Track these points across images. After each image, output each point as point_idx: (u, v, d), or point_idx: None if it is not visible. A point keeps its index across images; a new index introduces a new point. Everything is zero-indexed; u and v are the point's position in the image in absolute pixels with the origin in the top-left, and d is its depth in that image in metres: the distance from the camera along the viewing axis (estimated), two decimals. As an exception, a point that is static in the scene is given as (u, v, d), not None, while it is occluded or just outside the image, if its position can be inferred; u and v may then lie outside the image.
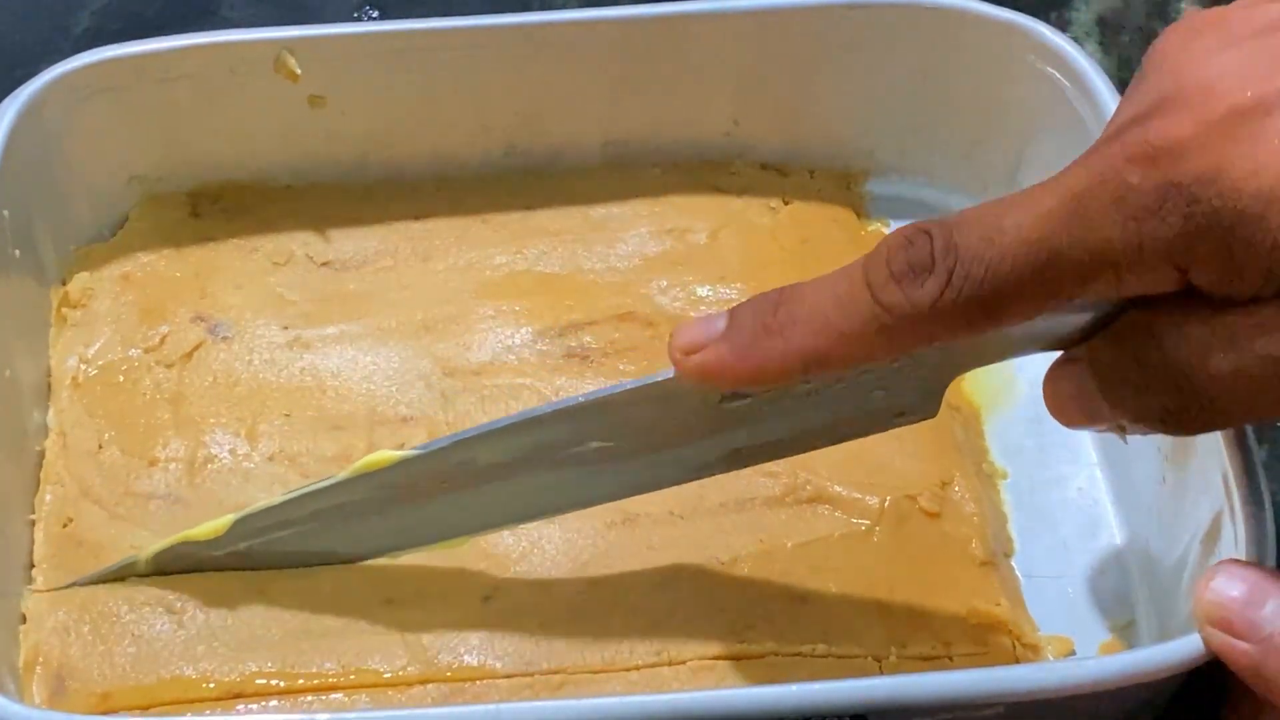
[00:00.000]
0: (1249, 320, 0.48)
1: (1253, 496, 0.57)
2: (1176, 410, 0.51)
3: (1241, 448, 0.58)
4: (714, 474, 0.60)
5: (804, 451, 0.59)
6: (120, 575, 0.63)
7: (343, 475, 0.60)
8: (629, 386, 0.56)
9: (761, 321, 0.53)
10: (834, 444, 0.59)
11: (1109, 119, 0.68)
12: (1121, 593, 0.66)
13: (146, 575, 0.63)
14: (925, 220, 0.51)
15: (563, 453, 0.59)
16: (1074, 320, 0.53)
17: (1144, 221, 0.48)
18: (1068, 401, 0.56)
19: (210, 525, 0.62)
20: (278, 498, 0.62)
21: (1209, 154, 0.47)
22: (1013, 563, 0.67)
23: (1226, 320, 0.49)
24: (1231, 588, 0.53)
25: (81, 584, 0.63)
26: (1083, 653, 0.64)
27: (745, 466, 0.60)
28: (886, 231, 0.78)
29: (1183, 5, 0.90)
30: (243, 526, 0.62)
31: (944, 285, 0.49)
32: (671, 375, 0.55)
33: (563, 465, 0.59)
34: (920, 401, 0.57)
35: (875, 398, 0.56)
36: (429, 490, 0.60)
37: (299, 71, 0.72)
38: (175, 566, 0.63)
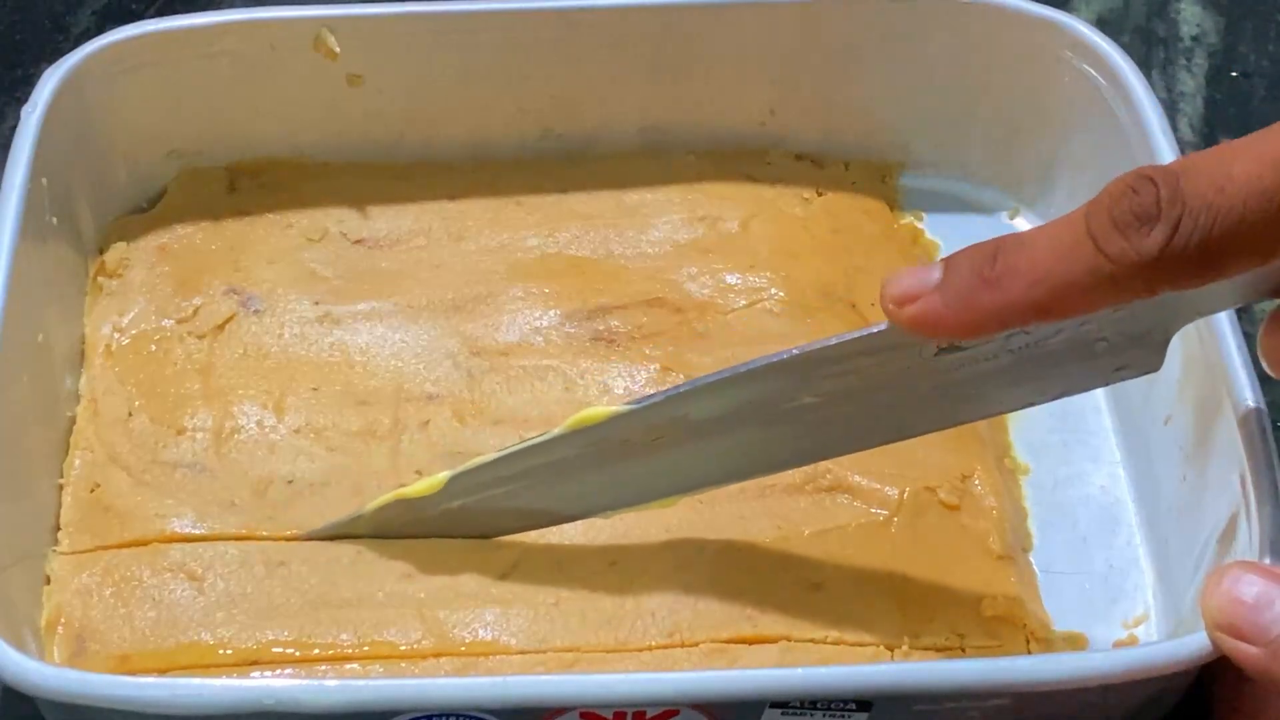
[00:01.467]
0: None
1: (1269, 496, 0.57)
2: None
3: (1259, 448, 0.58)
4: (928, 432, 0.59)
5: (1022, 407, 0.58)
6: (346, 531, 0.64)
7: (556, 431, 0.60)
8: (844, 339, 0.55)
9: (979, 272, 0.51)
10: (1054, 399, 0.57)
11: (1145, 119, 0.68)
12: (1138, 590, 0.66)
13: (365, 535, 0.64)
14: (1148, 166, 0.49)
15: (775, 408, 0.58)
16: None
17: None
18: None
19: (426, 482, 0.63)
20: (491, 455, 0.62)
21: None
22: (1030, 558, 0.67)
23: None
24: (1239, 591, 0.53)
25: (318, 535, 0.64)
26: (1096, 649, 0.63)
27: (959, 424, 0.59)
28: (919, 225, 0.78)
29: (1181, 5, 0.90)
30: (457, 484, 0.62)
31: (1170, 235, 0.48)
32: (885, 327, 0.54)
33: (774, 421, 0.58)
34: (1143, 355, 0.55)
35: (1096, 349, 0.54)
36: (641, 447, 0.60)
37: (338, 50, 0.73)
38: (393, 526, 0.64)
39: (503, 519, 0.64)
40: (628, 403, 0.59)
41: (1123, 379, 0.56)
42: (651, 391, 0.65)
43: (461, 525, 0.64)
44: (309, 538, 0.64)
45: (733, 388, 0.57)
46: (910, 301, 0.52)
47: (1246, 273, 0.50)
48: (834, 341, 0.55)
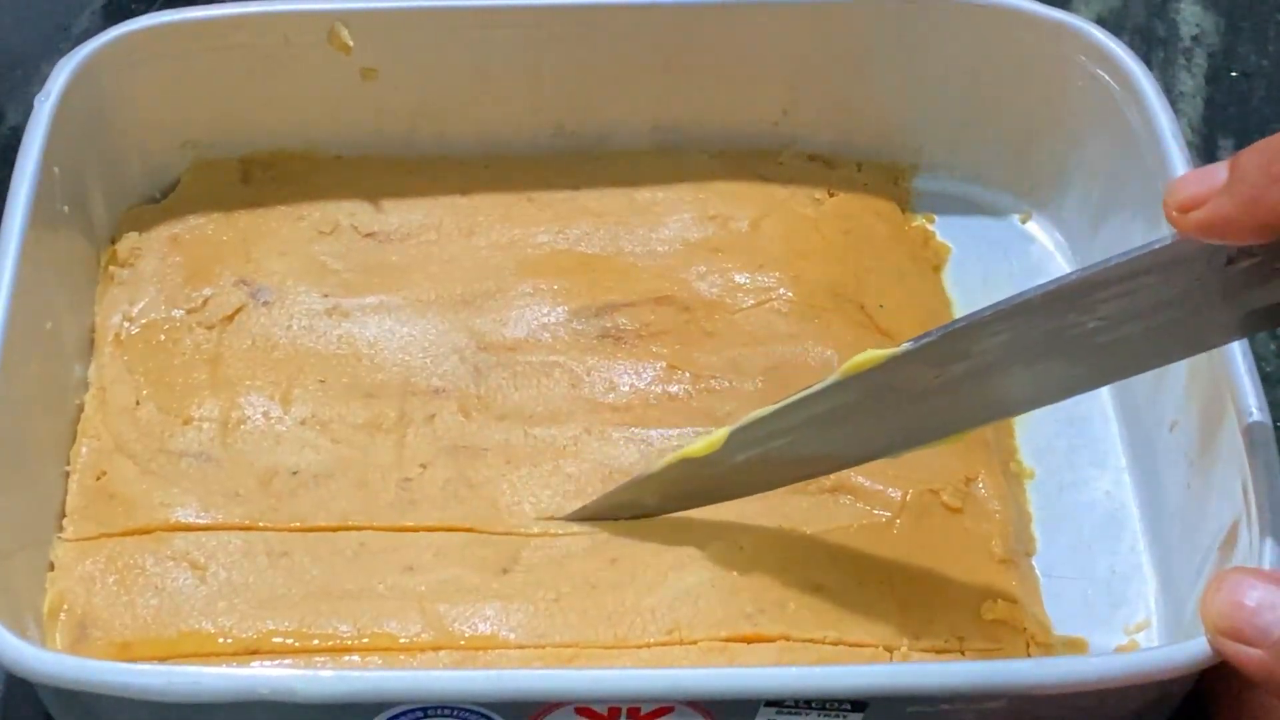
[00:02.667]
0: None
1: (1270, 504, 0.57)
2: None
3: (1262, 454, 0.58)
4: (1221, 344, 0.57)
5: None
6: (634, 496, 0.64)
7: (834, 378, 0.58)
8: (1126, 257, 0.53)
9: (1268, 169, 0.48)
10: None
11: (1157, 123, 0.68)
12: (1140, 596, 0.66)
13: (652, 503, 0.64)
14: None
15: (1057, 337, 0.55)
16: None
17: None
18: None
19: (707, 440, 0.62)
20: (770, 407, 0.60)
21: None
22: (1033, 562, 0.67)
23: None
24: (1240, 594, 0.53)
25: (583, 516, 0.65)
26: (1096, 654, 0.63)
27: (1257, 332, 0.56)
28: (931, 228, 0.78)
29: (1181, 5, 0.90)
30: (740, 437, 0.61)
31: None
32: (1170, 240, 0.52)
33: (1058, 351, 0.56)
34: None
35: None
36: (921, 387, 0.58)
37: (351, 44, 0.73)
38: (678, 488, 0.64)
39: (785, 469, 0.63)
40: (906, 342, 0.57)
41: None
42: (664, 385, 0.65)
43: (745, 481, 0.63)
44: (577, 517, 0.65)
45: (1014, 318, 0.55)
46: (1196, 206, 0.50)
47: None
48: (1117, 260, 0.53)
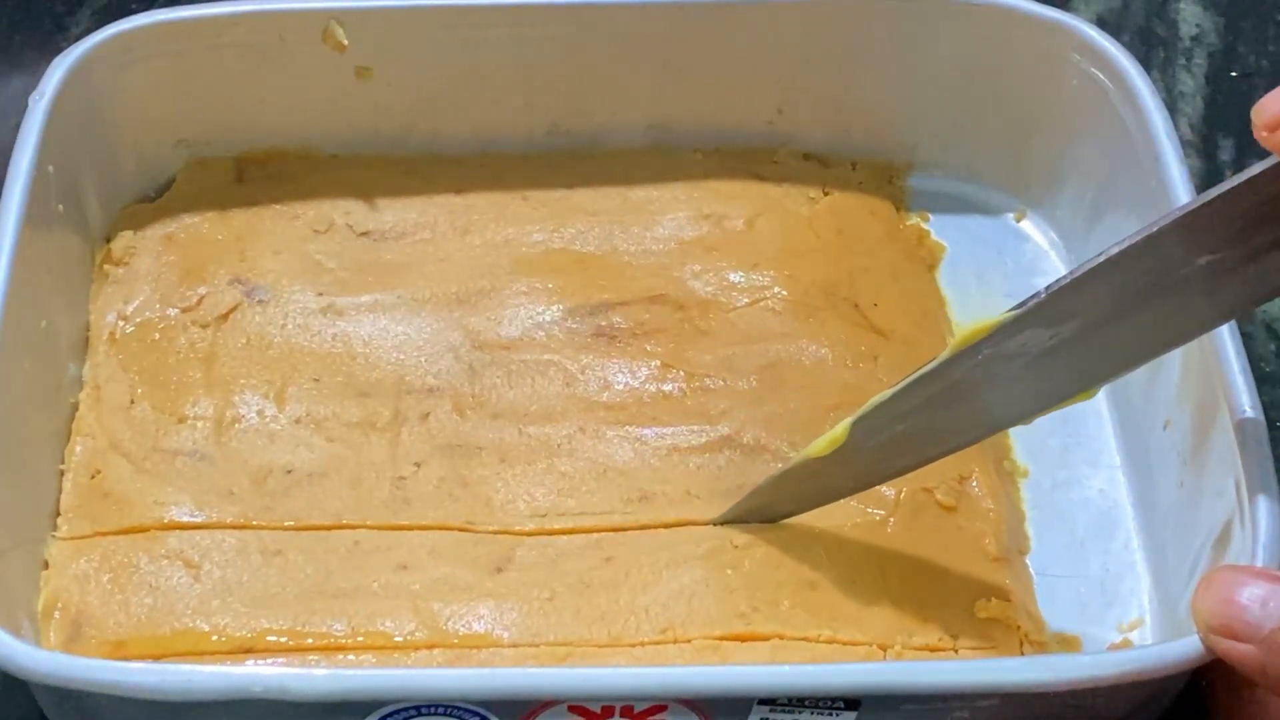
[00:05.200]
0: None
1: (1263, 501, 0.57)
2: None
3: (1254, 453, 0.58)
4: None
5: None
6: (761, 499, 0.64)
7: (947, 353, 0.57)
8: (1229, 185, 0.51)
9: None
10: None
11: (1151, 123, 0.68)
12: (1134, 595, 0.66)
13: (785, 507, 0.64)
14: None
15: (1170, 276, 0.54)
16: None
17: None
18: None
19: (829, 436, 0.61)
20: (888, 391, 0.59)
21: None
22: (1027, 560, 0.67)
23: None
24: (1231, 591, 0.53)
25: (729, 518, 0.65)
26: (1090, 652, 0.63)
27: None
28: (925, 226, 0.78)
29: (1181, 5, 0.90)
30: (863, 426, 0.60)
31: None
32: (1272, 163, 0.50)
33: (1171, 292, 0.55)
34: None
35: None
36: (1037, 351, 0.57)
37: (346, 42, 0.73)
38: (807, 489, 0.63)
39: (912, 453, 0.62)
40: (1013, 306, 0.56)
41: None
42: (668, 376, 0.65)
43: (873, 471, 0.63)
44: (725, 520, 0.65)
45: (1118, 268, 0.54)
46: None
47: None
48: (1220, 189, 0.51)
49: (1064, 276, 0.55)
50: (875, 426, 0.60)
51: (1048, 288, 0.55)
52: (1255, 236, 0.52)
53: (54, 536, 0.64)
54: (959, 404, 0.59)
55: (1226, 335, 0.61)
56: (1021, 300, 0.56)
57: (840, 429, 0.61)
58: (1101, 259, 0.54)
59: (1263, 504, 0.57)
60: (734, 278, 0.73)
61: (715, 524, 0.65)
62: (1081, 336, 0.56)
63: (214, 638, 0.61)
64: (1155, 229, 0.53)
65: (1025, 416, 0.60)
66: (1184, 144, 0.81)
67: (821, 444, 0.61)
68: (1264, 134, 0.49)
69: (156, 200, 0.76)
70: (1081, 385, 0.58)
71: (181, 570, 0.63)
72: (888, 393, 0.60)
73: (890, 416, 0.60)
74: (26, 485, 0.64)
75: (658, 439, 0.68)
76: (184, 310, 0.71)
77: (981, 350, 0.57)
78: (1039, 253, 0.78)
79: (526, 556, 0.64)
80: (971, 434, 0.61)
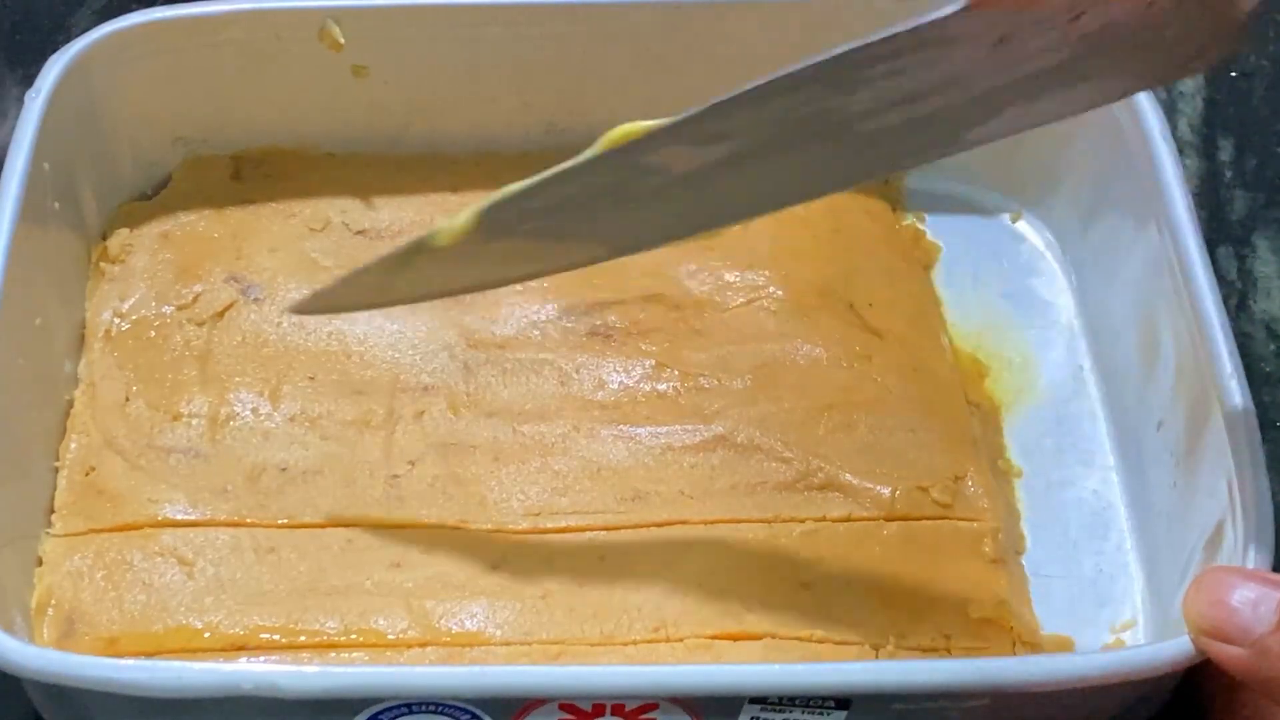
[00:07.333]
0: None
1: (1255, 504, 0.57)
2: None
3: (1247, 454, 0.58)
4: (986, 142, 0.55)
5: (1081, 110, 0.53)
6: (375, 276, 0.62)
7: (590, 152, 0.55)
8: (891, 31, 0.50)
9: None
10: (1115, 99, 0.53)
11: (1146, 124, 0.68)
12: (1127, 595, 0.66)
13: (401, 293, 0.63)
14: None
15: (823, 120, 0.53)
16: None
17: None
18: None
19: (453, 225, 0.58)
20: (522, 183, 0.56)
21: None
22: (1022, 560, 0.67)
23: None
24: (1221, 593, 0.53)
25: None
26: (1082, 653, 0.63)
27: (1018, 132, 0.54)
28: (921, 226, 0.78)
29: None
30: (492, 217, 0.57)
31: None
32: (948, 13, 0.49)
33: (821, 137, 0.53)
34: (1219, 37, 0.51)
35: (1166, 36, 0.50)
36: (682, 170, 0.55)
37: (342, 41, 0.73)
38: (424, 279, 0.61)
39: (545, 255, 0.60)
40: (665, 118, 0.54)
41: (1195, 72, 0.52)
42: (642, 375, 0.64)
43: (502, 269, 0.61)
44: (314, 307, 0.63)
45: (776, 95, 0.52)
46: None
47: None
48: (880, 36, 0.50)
49: (715, 99, 0.53)
50: (505, 222, 0.57)
51: (695, 108, 0.53)
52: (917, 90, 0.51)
53: (48, 533, 0.64)
54: (599, 210, 0.57)
55: (1219, 334, 0.61)
56: (678, 113, 0.53)
57: (468, 216, 0.58)
58: (757, 85, 0.52)
59: (1255, 505, 0.57)
60: (729, 277, 0.73)
61: (294, 311, 0.65)
62: (729, 165, 0.54)
63: (207, 635, 0.61)
64: (814, 62, 0.51)
65: (661, 239, 0.58)
66: (1183, 145, 0.81)
67: (444, 232, 0.58)
68: None
69: (153, 198, 0.76)
70: (724, 218, 0.57)
71: (175, 567, 0.63)
72: (523, 183, 0.56)
73: (521, 212, 0.57)
74: (21, 481, 0.64)
75: (652, 438, 0.68)
76: (180, 308, 0.71)
77: (626, 157, 0.55)
78: (1035, 253, 0.78)
79: (520, 555, 0.64)
80: (608, 246, 0.59)
